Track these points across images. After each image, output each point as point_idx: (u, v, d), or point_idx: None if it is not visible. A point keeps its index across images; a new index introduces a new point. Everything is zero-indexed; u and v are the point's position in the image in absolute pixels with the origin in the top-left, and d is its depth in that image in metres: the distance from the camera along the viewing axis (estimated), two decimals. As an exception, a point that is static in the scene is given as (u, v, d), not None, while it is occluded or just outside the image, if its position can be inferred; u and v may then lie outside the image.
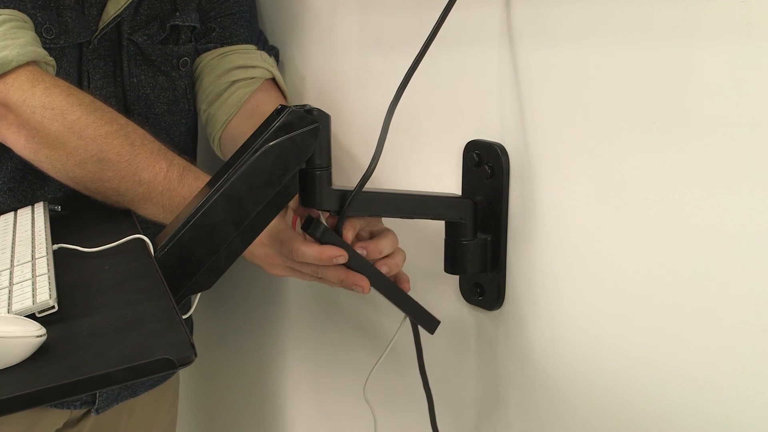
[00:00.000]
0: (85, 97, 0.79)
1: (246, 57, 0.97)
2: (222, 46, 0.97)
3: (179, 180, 0.78)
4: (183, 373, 1.36)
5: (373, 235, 0.78)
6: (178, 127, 0.97)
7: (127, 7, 0.88)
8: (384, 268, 0.77)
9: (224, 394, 1.38)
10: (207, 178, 0.78)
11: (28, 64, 0.77)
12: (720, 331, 0.62)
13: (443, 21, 0.71)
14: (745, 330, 0.60)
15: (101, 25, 0.87)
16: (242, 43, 0.98)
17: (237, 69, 0.96)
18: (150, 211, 0.79)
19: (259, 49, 0.99)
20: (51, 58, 0.81)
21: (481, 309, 0.83)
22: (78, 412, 0.97)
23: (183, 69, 0.96)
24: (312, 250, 0.73)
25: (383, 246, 0.77)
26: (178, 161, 0.80)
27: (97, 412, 0.97)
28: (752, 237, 0.59)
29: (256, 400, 1.28)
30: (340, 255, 0.72)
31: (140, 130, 0.80)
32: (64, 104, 0.76)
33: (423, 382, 0.82)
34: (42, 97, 0.76)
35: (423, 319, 0.79)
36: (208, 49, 0.97)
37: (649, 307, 0.66)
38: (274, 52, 1.03)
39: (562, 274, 0.73)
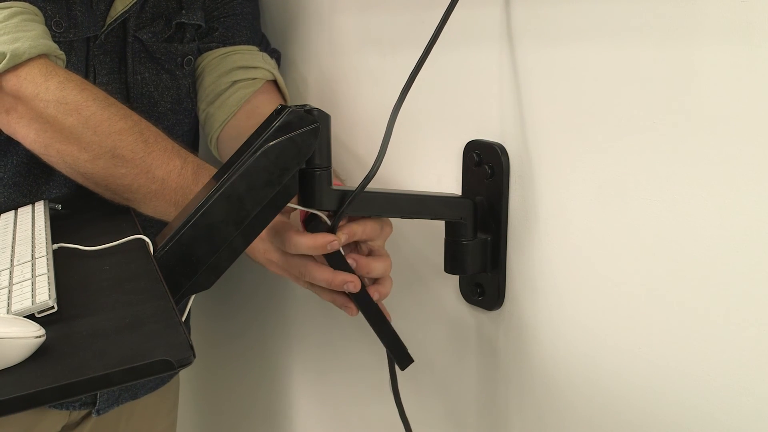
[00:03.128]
0: (99, 93, 0.78)
1: (248, 58, 0.97)
2: (224, 46, 0.97)
3: (194, 177, 0.78)
4: (184, 375, 1.36)
5: (371, 254, 0.78)
6: (181, 126, 0.97)
7: (135, 3, 0.88)
8: (375, 295, 0.76)
9: (226, 396, 1.38)
10: None
11: (39, 56, 0.77)
12: (720, 331, 0.62)
13: (446, 21, 0.71)
14: (746, 329, 0.60)
15: (109, 20, 0.87)
16: (244, 44, 0.98)
17: (239, 69, 0.96)
18: (161, 208, 0.79)
19: (261, 50, 0.99)
20: (61, 52, 0.81)
21: (481, 309, 0.83)
22: (77, 414, 0.98)
23: (187, 68, 0.95)
24: (305, 239, 0.72)
25: (374, 267, 0.76)
26: (192, 159, 0.80)
27: (98, 413, 0.97)
28: (752, 236, 0.59)
29: (258, 401, 1.29)
30: (334, 240, 0.71)
31: (153, 128, 0.80)
32: (78, 99, 0.76)
33: (399, 412, 0.81)
34: (56, 91, 0.76)
35: (397, 351, 0.78)
36: (210, 49, 0.97)
37: (650, 307, 0.66)
38: (275, 55, 1.03)
39: (562, 274, 0.73)
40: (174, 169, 0.78)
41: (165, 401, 1.11)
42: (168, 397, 1.12)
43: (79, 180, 0.79)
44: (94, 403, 0.97)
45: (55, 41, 0.81)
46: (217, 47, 0.97)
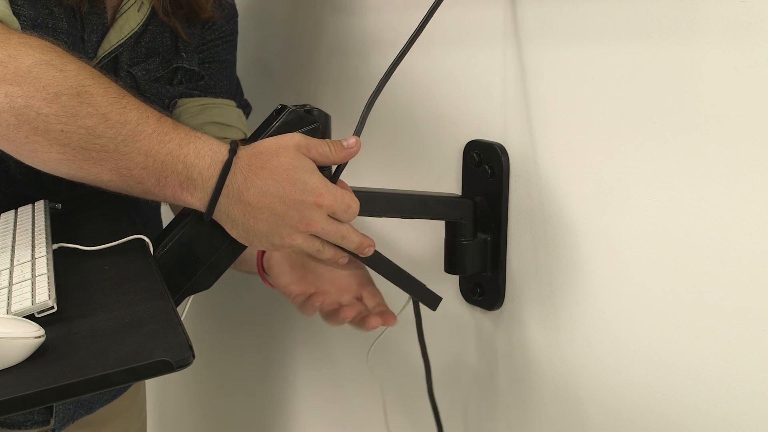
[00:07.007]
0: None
1: (225, 114, 0.94)
2: (206, 96, 0.94)
3: (174, 126, 0.67)
4: (183, 375, 1.36)
5: None
6: None
7: (130, 37, 0.84)
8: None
9: (225, 396, 1.38)
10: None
11: None
12: (722, 331, 0.62)
13: (428, 20, 0.70)
14: (749, 329, 0.60)
15: (101, 53, 0.83)
16: (224, 97, 0.95)
17: (214, 125, 0.92)
18: (124, 163, 0.65)
19: (237, 105, 0.97)
20: (18, 24, 0.73)
21: (481, 309, 0.83)
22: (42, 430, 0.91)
23: (172, 110, 0.92)
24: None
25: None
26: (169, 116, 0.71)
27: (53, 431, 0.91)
28: (753, 236, 0.59)
29: (258, 401, 1.29)
30: (371, 246, 0.73)
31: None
32: (42, 42, 0.66)
33: (421, 350, 0.82)
34: (18, 37, 0.66)
35: (425, 298, 0.79)
36: (192, 96, 0.93)
37: (649, 307, 0.66)
38: (248, 110, 1.00)
39: (561, 275, 0.73)
40: (152, 115, 0.67)
41: (134, 403, 1.09)
42: (137, 399, 1.11)
43: (29, 140, 0.64)
44: (49, 422, 0.90)
45: None
46: (199, 96, 0.93)
